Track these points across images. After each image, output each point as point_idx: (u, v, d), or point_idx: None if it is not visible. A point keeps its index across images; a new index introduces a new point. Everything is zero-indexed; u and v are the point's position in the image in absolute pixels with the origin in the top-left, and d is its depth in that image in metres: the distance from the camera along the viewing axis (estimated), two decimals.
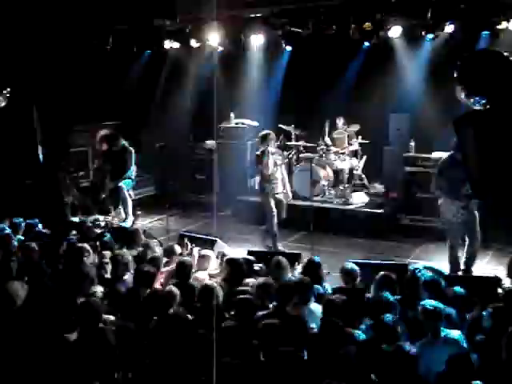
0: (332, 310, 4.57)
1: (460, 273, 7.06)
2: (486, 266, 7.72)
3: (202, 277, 5.86)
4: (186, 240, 7.18)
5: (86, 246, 6.51)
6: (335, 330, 4.20)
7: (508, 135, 2.83)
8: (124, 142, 9.42)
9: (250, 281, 5.61)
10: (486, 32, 8.01)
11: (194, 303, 5.11)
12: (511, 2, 7.41)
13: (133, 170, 9.47)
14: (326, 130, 10.38)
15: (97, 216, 10.01)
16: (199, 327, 4.43)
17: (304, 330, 4.45)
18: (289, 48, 9.19)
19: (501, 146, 2.85)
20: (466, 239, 7.15)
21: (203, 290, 5.07)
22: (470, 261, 7.13)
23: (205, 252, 6.47)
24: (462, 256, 7.20)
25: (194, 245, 6.90)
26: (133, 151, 9.40)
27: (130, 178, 9.55)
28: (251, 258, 6.36)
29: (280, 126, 10.46)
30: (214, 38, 9.00)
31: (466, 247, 7.17)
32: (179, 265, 5.85)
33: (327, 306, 4.67)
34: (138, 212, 9.14)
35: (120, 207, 9.58)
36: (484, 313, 4.51)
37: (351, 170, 10.42)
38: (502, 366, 3.86)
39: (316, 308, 4.98)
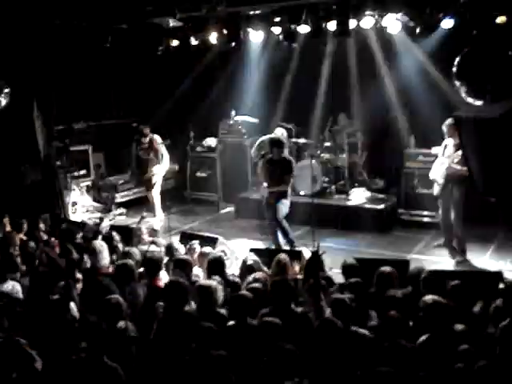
0: (340, 309, 4.51)
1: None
2: (487, 261, 7.75)
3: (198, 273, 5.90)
4: (175, 244, 7.08)
5: None
6: (334, 330, 4.16)
7: (509, 132, 2.84)
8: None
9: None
10: (485, 27, 7.99)
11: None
12: None
13: None
14: (328, 125, 10.39)
15: (99, 215, 10.06)
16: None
17: (309, 327, 4.45)
18: (288, 45, 9.17)
19: (502, 143, 2.86)
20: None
21: (199, 289, 4.99)
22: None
23: (205, 250, 6.49)
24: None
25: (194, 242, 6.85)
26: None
27: None
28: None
29: (280, 123, 10.46)
30: (214, 36, 9.01)
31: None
32: (177, 262, 5.89)
33: (335, 305, 4.62)
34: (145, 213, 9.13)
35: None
36: None
37: (352, 165, 10.42)
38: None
39: None
